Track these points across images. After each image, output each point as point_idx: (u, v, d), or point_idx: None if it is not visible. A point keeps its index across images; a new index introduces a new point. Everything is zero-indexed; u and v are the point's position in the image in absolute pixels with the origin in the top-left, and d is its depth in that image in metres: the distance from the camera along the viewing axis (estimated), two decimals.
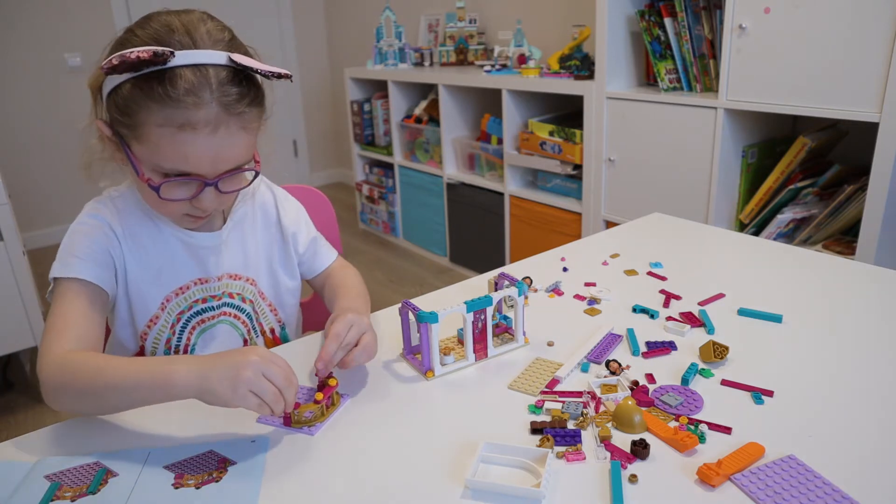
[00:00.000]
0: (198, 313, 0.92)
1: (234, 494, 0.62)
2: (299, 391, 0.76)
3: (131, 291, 0.88)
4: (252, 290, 0.96)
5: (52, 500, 0.62)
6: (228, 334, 0.94)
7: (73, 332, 0.78)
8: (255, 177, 0.85)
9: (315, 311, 1.21)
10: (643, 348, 0.84)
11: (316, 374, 0.76)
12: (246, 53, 0.79)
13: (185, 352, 0.92)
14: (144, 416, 0.76)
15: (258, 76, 0.78)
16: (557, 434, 0.67)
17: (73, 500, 0.62)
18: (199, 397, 0.66)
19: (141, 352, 0.91)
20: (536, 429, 0.69)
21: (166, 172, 0.76)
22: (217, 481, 0.64)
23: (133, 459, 0.67)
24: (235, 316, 0.95)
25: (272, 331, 1.00)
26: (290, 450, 0.69)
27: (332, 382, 0.75)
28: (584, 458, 0.64)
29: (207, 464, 0.66)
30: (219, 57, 0.74)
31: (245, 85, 0.76)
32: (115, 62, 0.69)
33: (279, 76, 0.76)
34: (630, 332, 0.88)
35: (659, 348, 0.84)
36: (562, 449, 0.65)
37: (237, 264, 0.94)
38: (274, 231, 0.99)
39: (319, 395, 0.73)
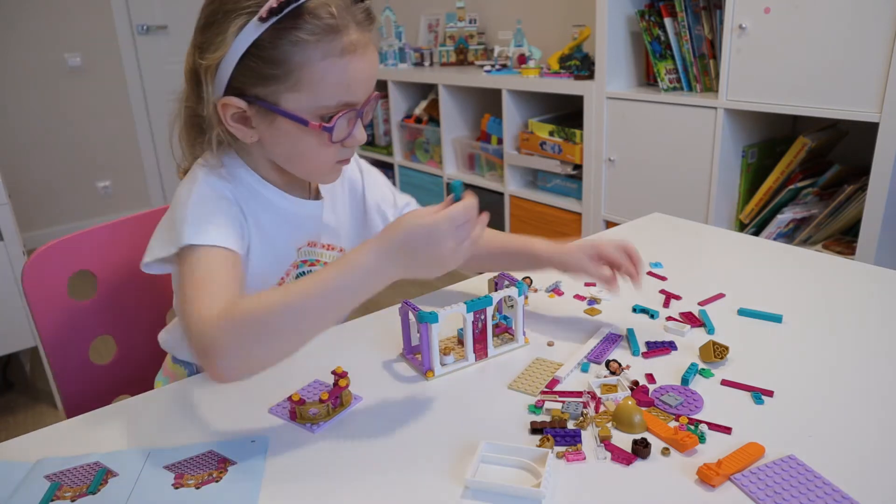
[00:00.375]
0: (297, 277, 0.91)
1: (234, 494, 0.62)
2: (313, 385, 0.78)
3: (252, 265, 0.84)
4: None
5: (52, 500, 0.62)
6: None
7: (220, 296, 0.70)
8: (376, 102, 0.84)
9: None
10: (643, 348, 0.84)
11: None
12: None
13: None
14: (144, 416, 0.76)
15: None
16: (557, 434, 0.67)
17: (73, 500, 0.62)
18: (407, 277, 0.68)
19: None
20: (536, 429, 0.69)
21: (326, 114, 0.76)
22: (217, 481, 0.64)
23: (133, 459, 0.67)
24: None
25: None
26: (290, 449, 0.68)
27: (342, 383, 0.74)
28: (584, 458, 0.64)
29: (207, 464, 0.66)
30: None
31: (364, 5, 0.78)
32: (273, 7, 0.69)
33: None
34: (630, 332, 0.88)
35: (659, 348, 0.84)
36: (562, 449, 0.65)
37: (332, 234, 0.94)
38: (359, 204, 0.99)
39: (325, 395, 0.72)
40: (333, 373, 0.75)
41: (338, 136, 0.78)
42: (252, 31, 0.72)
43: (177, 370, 0.99)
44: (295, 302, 0.65)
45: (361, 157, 3.54)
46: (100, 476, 0.65)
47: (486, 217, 0.70)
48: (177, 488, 0.63)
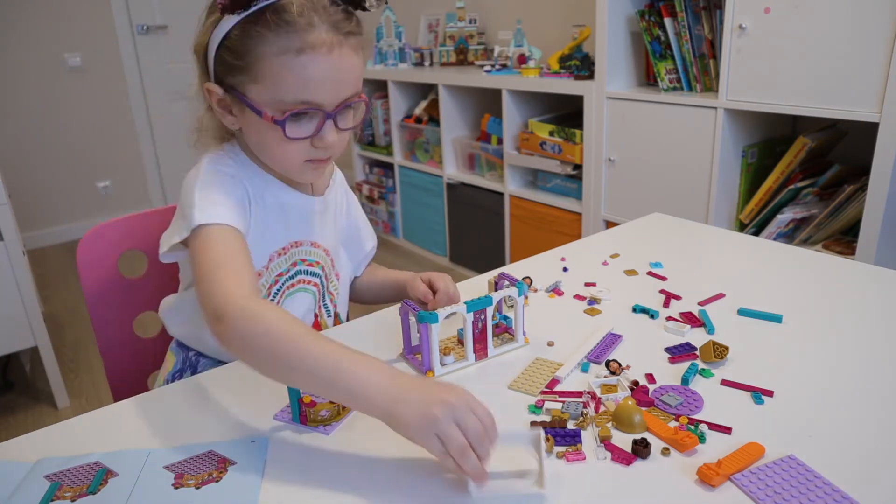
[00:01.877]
0: (291, 276, 0.92)
1: (235, 494, 0.62)
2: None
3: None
4: (331, 270, 0.97)
5: (52, 500, 0.62)
6: (301, 301, 0.94)
7: (246, 276, 0.73)
8: (367, 109, 0.85)
9: None
10: (666, 354, 0.83)
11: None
12: None
13: None
14: (144, 417, 0.76)
15: (352, 5, 0.80)
16: (557, 434, 0.67)
17: (73, 500, 0.62)
18: (385, 421, 0.62)
19: None
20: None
21: (287, 108, 0.77)
22: (217, 481, 0.64)
23: (133, 459, 0.67)
24: (315, 285, 0.95)
25: (336, 314, 1.01)
26: (289, 450, 0.69)
27: None
28: (584, 458, 0.64)
29: (207, 464, 0.66)
30: None
31: (345, 7, 0.78)
32: (225, 2, 0.72)
33: (372, 3, 0.78)
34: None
35: (684, 353, 0.83)
36: (562, 449, 0.65)
37: (327, 239, 0.96)
38: (345, 223, 1.02)
39: None
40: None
41: (295, 133, 0.79)
42: (225, 24, 0.77)
43: (169, 358, 0.99)
44: (304, 356, 0.65)
45: (362, 157, 3.52)
46: (100, 476, 0.65)
47: (486, 457, 0.60)
48: (177, 488, 0.63)
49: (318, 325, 0.98)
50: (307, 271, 0.94)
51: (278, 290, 0.91)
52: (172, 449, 0.69)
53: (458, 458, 0.58)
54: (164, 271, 1.05)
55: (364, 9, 0.79)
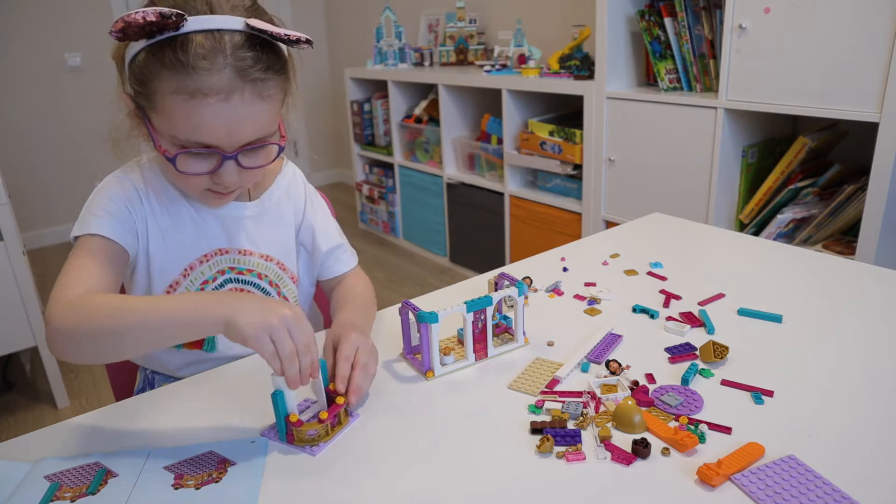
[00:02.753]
0: (220, 284, 0.91)
1: (234, 495, 0.62)
2: (305, 405, 0.75)
3: (152, 254, 0.86)
4: (281, 274, 0.95)
5: (51, 501, 0.62)
6: None
7: (85, 283, 0.75)
8: (280, 152, 0.83)
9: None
10: (666, 354, 0.83)
11: (346, 405, 0.72)
12: (270, 21, 0.76)
13: None
14: (144, 416, 0.76)
15: (281, 44, 0.76)
16: (557, 434, 0.67)
17: (72, 501, 0.62)
18: (224, 331, 0.65)
19: None
20: (536, 429, 0.69)
21: (183, 144, 0.75)
22: (217, 482, 0.64)
23: (133, 459, 0.67)
24: (249, 293, 0.93)
25: None
26: (288, 451, 0.69)
27: (339, 401, 0.71)
28: (584, 459, 0.64)
29: (207, 464, 0.66)
30: (235, 22, 0.72)
31: (262, 50, 0.74)
32: (120, 25, 0.68)
33: (298, 41, 0.73)
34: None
35: (684, 353, 0.83)
36: (562, 449, 0.65)
37: (268, 244, 0.94)
38: (299, 225, 0.99)
39: (324, 414, 0.69)
40: (328, 390, 0.73)
41: (187, 169, 0.77)
42: (135, 46, 0.74)
43: (138, 375, 0.99)
44: (132, 314, 0.69)
45: (362, 156, 3.52)
46: (100, 476, 0.65)
47: (306, 372, 0.67)
48: (176, 489, 0.63)
49: None
50: (238, 279, 0.92)
51: None
52: (172, 449, 0.69)
53: (285, 362, 0.65)
54: None
55: (284, 42, 0.74)
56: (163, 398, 0.80)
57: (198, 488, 0.63)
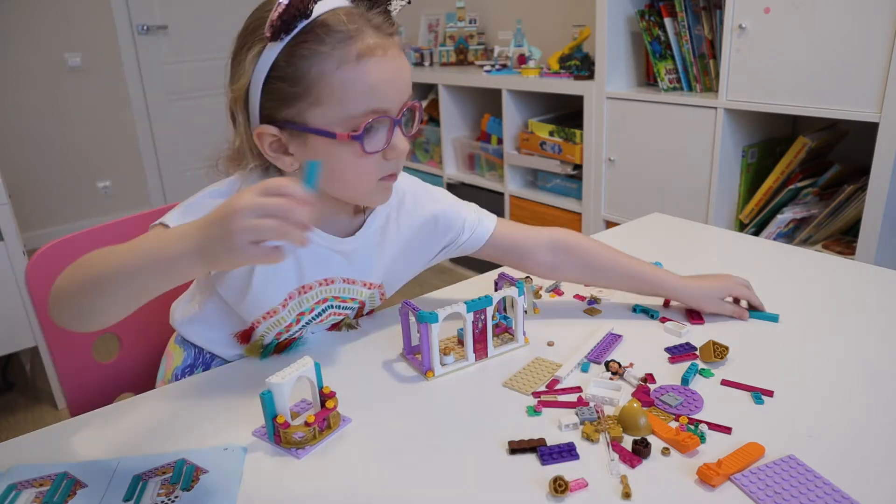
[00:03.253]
0: (318, 314, 0.89)
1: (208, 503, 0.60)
2: (299, 406, 0.74)
3: (255, 281, 0.82)
4: (375, 296, 0.93)
5: None
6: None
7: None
8: (420, 112, 0.82)
9: None
10: (666, 354, 0.83)
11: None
12: None
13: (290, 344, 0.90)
14: (114, 424, 0.75)
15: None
16: (544, 453, 0.64)
17: None
18: (206, 268, 0.62)
19: (250, 330, 0.87)
20: (515, 449, 0.65)
21: (356, 125, 0.73)
22: (188, 490, 0.62)
23: (102, 469, 0.65)
24: (342, 314, 0.93)
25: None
26: (267, 460, 0.68)
27: (329, 404, 0.70)
28: (587, 486, 0.61)
29: (178, 472, 0.64)
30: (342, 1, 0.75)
31: (380, 12, 0.77)
32: (275, 23, 0.69)
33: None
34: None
35: (684, 353, 0.83)
36: (563, 475, 0.60)
37: (371, 272, 0.90)
38: (434, 235, 0.94)
39: (311, 418, 0.68)
40: (321, 393, 0.71)
41: (372, 146, 0.75)
42: (269, 55, 0.73)
43: (175, 351, 0.98)
44: (111, 263, 0.65)
45: None
46: (68, 487, 0.63)
47: (305, 222, 0.59)
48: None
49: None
50: (339, 306, 0.90)
51: (302, 328, 0.89)
52: (142, 457, 0.67)
53: (282, 238, 0.58)
54: None
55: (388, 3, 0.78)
56: (137, 408, 0.78)
57: (168, 497, 0.61)
